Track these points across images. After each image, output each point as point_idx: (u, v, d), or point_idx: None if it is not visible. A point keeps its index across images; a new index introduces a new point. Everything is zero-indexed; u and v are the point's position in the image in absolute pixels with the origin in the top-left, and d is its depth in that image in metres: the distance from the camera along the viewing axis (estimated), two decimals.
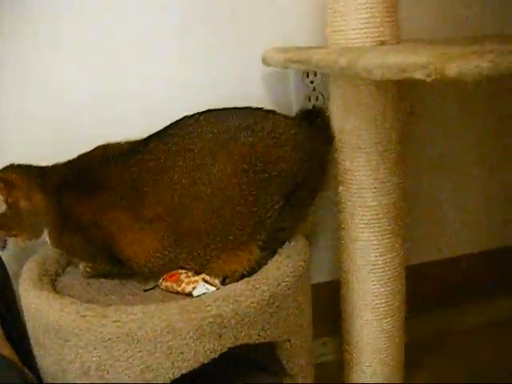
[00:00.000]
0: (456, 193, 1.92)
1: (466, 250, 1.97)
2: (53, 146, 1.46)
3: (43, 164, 1.30)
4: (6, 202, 1.22)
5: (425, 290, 1.72)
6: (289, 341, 1.20)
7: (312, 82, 1.63)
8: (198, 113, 1.28)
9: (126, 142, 1.29)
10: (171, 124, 1.27)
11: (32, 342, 1.19)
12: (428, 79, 0.81)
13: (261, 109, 1.32)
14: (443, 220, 1.93)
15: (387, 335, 1.45)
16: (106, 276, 1.30)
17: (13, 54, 1.45)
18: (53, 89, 1.49)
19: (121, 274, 1.28)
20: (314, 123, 1.36)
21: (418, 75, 0.82)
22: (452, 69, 0.78)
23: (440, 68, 0.79)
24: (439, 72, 0.79)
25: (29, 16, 1.44)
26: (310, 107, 1.62)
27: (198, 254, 1.21)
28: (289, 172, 1.23)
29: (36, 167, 1.29)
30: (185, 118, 1.27)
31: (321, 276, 1.74)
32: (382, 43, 1.24)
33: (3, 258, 1.37)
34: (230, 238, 1.20)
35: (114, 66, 1.53)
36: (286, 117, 1.32)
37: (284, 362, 1.23)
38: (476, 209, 1.96)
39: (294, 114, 1.53)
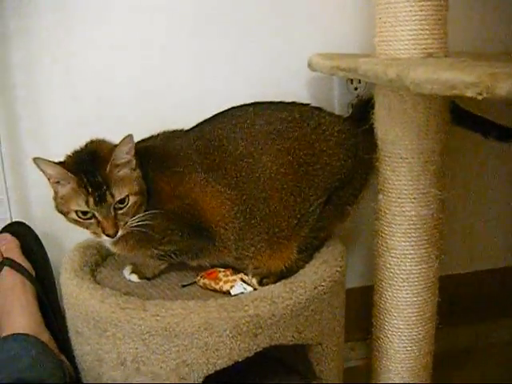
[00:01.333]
0: (494, 206, 1.92)
1: (501, 264, 1.96)
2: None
3: None
4: None
5: (458, 301, 1.72)
6: (321, 344, 1.22)
7: (356, 89, 1.64)
8: (245, 104, 1.32)
9: (179, 130, 1.33)
10: (220, 113, 1.31)
11: (70, 330, 1.22)
12: (479, 97, 0.81)
13: (307, 105, 1.35)
14: (479, 232, 1.92)
15: (417, 344, 1.45)
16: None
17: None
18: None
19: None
20: (360, 126, 1.37)
21: (469, 93, 0.82)
22: (503, 88, 0.78)
23: (491, 87, 0.79)
24: (490, 91, 0.79)
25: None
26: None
27: (252, 238, 1.24)
28: (333, 167, 1.26)
29: None
30: (232, 108, 1.31)
31: (354, 281, 1.75)
32: (430, 55, 1.24)
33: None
34: (276, 229, 1.23)
35: (169, 63, 1.57)
36: (331, 114, 1.36)
37: (314, 365, 1.25)
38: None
39: None
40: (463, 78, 0.84)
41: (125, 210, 1.15)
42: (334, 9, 1.60)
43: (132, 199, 1.15)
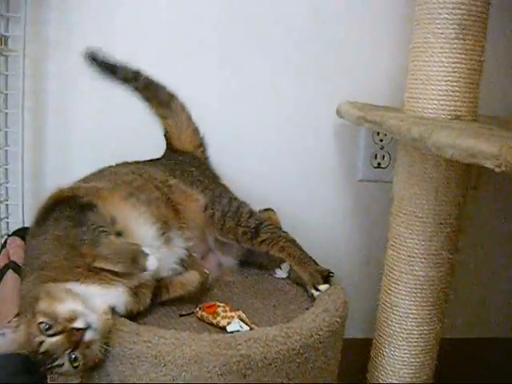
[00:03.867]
0: (503, 276, 1.89)
1: (504, 334, 1.93)
2: None
3: None
4: None
5: (455, 366, 1.68)
6: None
7: (381, 141, 1.64)
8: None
9: None
10: None
11: None
12: (497, 170, 0.80)
13: None
14: (486, 299, 1.90)
15: None
16: None
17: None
18: None
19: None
20: None
21: (488, 164, 0.82)
22: None
23: (511, 161, 0.79)
24: (510, 165, 0.78)
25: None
26: (375, 164, 1.63)
27: None
28: None
29: None
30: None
31: (352, 332, 1.72)
32: (457, 118, 1.24)
33: None
34: None
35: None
36: None
37: None
38: None
39: (359, 167, 1.57)
40: (484, 149, 0.84)
41: None
42: (369, 59, 1.62)
43: None
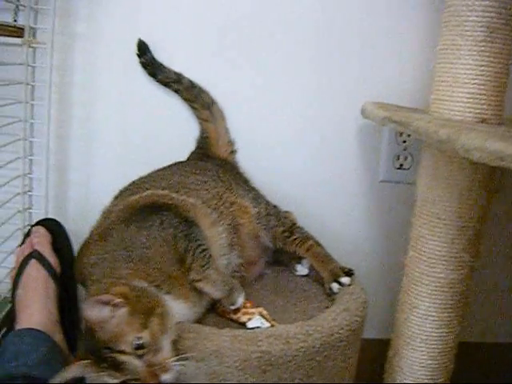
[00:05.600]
0: None
1: None
2: None
3: None
4: None
5: (473, 370, 1.68)
6: None
7: (404, 142, 1.64)
8: None
9: None
10: None
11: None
12: None
13: None
14: (505, 304, 1.89)
15: None
16: None
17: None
18: None
19: None
20: None
21: None
22: None
23: None
24: None
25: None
26: (397, 165, 1.63)
27: None
28: None
29: None
30: None
31: (371, 332, 1.72)
32: (484, 121, 1.24)
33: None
34: None
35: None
36: None
37: None
38: None
39: (381, 168, 1.59)
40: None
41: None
42: (396, 60, 1.61)
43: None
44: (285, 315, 1.24)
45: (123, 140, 1.60)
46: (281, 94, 1.62)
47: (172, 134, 1.61)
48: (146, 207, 1.21)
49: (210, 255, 1.16)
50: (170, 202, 1.23)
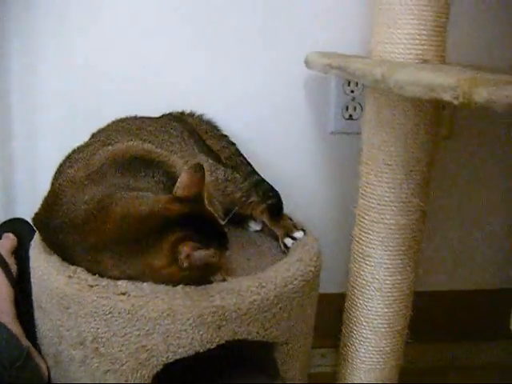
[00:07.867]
0: (480, 227, 1.91)
1: (480, 286, 1.95)
2: None
3: None
4: None
5: (431, 319, 1.69)
6: (287, 344, 1.19)
7: (352, 92, 1.63)
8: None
9: None
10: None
11: (34, 306, 1.19)
12: (455, 102, 0.80)
13: None
14: (461, 251, 1.92)
15: (384, 357, 1.43)
16: None
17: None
18: None
19: None
20: None
21: (447, 97, 0.81)
22: (480, 94, 0.76)
23: (468, 92, 0.78)
24: (467, 96, 0.77)
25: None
26: (347, 116, 1.64)
27: None
28: None
29: None
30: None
31: (331, 286, 1.73)
32: (425, 62, 1.23)
33: None
34: None
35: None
36: None
37: (279, 364, 1.22)
38: (499, 246, 1.94)
39: (330, 119, 1.61)
40: (442, 81, 0.83)
41: None
42: (337, 8, 1.60)
43: None
44: (238, 270, 1.23)
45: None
46: (224, 49, 1.60)
47: None
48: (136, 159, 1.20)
49: None
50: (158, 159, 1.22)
